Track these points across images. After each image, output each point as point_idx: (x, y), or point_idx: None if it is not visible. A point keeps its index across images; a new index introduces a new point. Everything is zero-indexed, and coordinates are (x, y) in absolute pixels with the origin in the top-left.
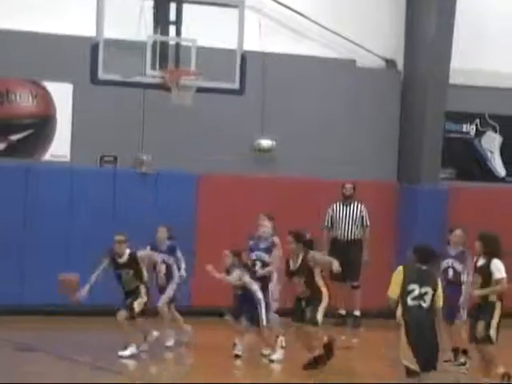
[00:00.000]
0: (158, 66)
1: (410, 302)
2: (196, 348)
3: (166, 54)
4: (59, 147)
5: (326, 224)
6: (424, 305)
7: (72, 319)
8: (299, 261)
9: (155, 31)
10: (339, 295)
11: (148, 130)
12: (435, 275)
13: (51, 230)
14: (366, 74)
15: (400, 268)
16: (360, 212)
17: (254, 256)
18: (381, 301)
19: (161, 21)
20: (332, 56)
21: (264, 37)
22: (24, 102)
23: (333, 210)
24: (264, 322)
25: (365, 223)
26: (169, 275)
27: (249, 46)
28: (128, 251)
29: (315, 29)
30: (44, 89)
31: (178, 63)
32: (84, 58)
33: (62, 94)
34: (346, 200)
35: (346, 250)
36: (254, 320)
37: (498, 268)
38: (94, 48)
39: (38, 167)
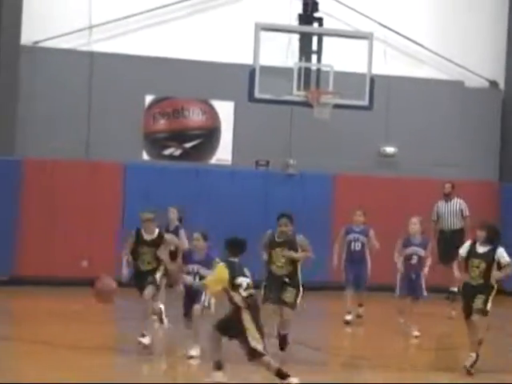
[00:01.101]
0: (302, 87)
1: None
2: None
3: (309, 77)
4: (223, 153)
5: (432, 218)
6: None
7: None
8: None
9: (300, 59)
10: (447, 275)
11: (294, 138)
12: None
13: (215, 222)
14: (472, 93)
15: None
16: (459, 206)
17: (410, 251)
18: None
19: (305, 50)
20: (444, 78)
21: (388, 62)
22: (195, 116)
23: (437, 206)
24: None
25: (464, 214)
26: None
27: (376, 70)
28: (157, 230)
29: (429, 55)
30: (211, 106)
31: (318, 85)
32: (243, 81)
33: (225, 110)
34: (447, 197)
35: (450, 239)
36: None
37: (503, 254)
38: (252, 73)
39: (206, 169)
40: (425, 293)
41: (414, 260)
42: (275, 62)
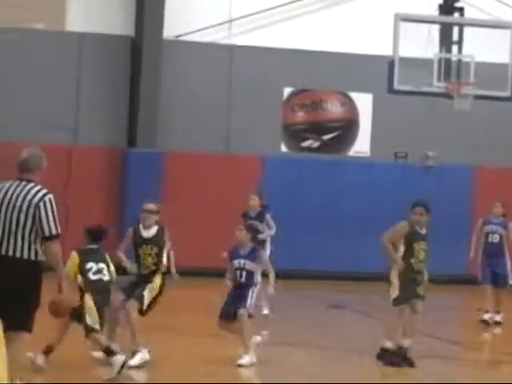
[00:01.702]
0: (442, 78)
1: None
2: None
3: (449, 68)
4: (361, 145)
5: None
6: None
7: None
8: None
9: (440, 50)
10: None
11: (433, 130)
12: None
13: (352, 211)
14: None
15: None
16: None
17: None
18: None
19: (445, 41)
20: None
21: None
22: (334, 108)
23: None
24: None
25: None
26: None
27: None
28: (156, 225)
29: None
30: (350, 98)
31: (459, 75)
32: (382, 72)
33: (364, 102)
34: None
35: None
36: None
37: None
38: (391, 64)
39: (344, 161)
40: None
41: None
42: (415, 53)
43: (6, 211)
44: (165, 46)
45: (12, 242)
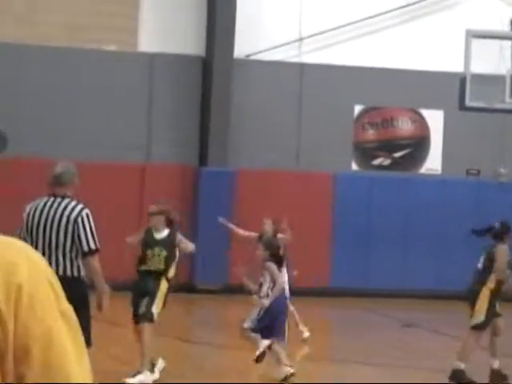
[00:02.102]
0: None
1: None
2: None
3: None
4: (432, 162)
5: None
6: None
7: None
8: None
9: None
10: None
11: (505, 146)
12: None
13: (424, 229)
14: None
15: None
16: None
17: None
18: None
19: None
20: None
21: None
22: (405, 126)
23: None
24: None
25: None
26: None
27: None
28: (167, 229)
29: None
30: (420, 115)
31: None
32: (453, 89)
33: (435, 119)
34: None
35: None
36: None
37: None
38: (462, 81)
39: (416, 178)
40: None
41: None
42: (486, 69)
43: (45, 229)
44: (235, 65)
45: (54, 260)
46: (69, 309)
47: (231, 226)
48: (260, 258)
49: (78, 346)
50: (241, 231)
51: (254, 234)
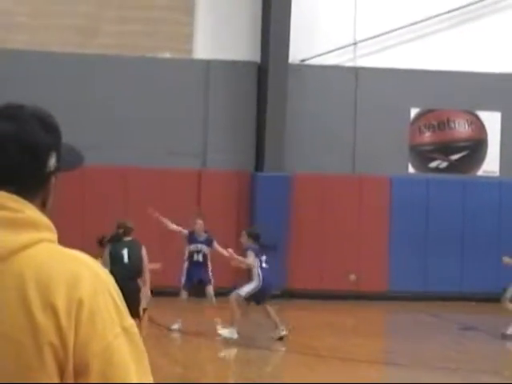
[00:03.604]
0: None
1: None
2: None
3: None
4: (490, 164)
5: None
6: None
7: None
8: None
9: None
10: None
11: None
12: None
13: (482, 231)
14: None
15: None
16: None
17: None
18: None
19: None
20: None
21: None
22: (461, 128)
23: None
24: None
25: None
26: None
27: None
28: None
29: None
30: (477, 117)
31: None
32: (509, 90)
33: (492, 120)
34: None
35: None
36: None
37: None
38: None
39: (473, 181)
40: None
41: None
42: None
43: None
44: (290, 70)
45: None
46: (132, 325)
47: (163, 219)
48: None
49: (140, 363)
50: (174, 226)
51: (184, 231)
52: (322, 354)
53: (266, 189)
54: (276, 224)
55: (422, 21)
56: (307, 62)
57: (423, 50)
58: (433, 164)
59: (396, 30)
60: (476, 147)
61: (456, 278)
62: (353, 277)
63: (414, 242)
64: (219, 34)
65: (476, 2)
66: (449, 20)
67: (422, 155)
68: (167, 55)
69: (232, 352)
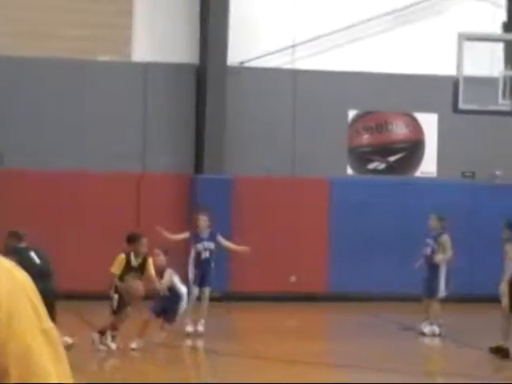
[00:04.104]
0: (508, 96)
1: None
2: None
3: None
4: (427, 165)
5: None
6: None
7: None
8: None
9: (505, 67)
10: None
11: (501, 149)
12: None
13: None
14: None
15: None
16: None
17: None
18: None
19: (510, 58)
20: None
21: None
22: (399, 130)
23: None
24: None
25: None
26: None
27: None
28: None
29: None
30: (414, 119)
31: None
32: (447, 92)
33: (429, 122)
34: None
35: None
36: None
37: None
38: (456, 84)
39: (411, 182)
40: None
41: None
42: (479, 71)
43: None
44: (229, 72)
45: None
46: (51, 328)
47: (166, 234)
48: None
49: (59, 365)
50: (176, 236)
51: (186, 234)
52: (266, 356)
53: (206, 191)
54: (216, 226)
55: (359, 23)
56: (246, 65)
57: (361, 52)
58: (371, 165)
59: (334, 32)
60: (413, 149)
61: (395, 279)
62: (293, 278)
63: (354, 243)
64: (157, 36)
65: (412, 5)
66: (386, 23)
67: (360, 157)
68: (106, 58)
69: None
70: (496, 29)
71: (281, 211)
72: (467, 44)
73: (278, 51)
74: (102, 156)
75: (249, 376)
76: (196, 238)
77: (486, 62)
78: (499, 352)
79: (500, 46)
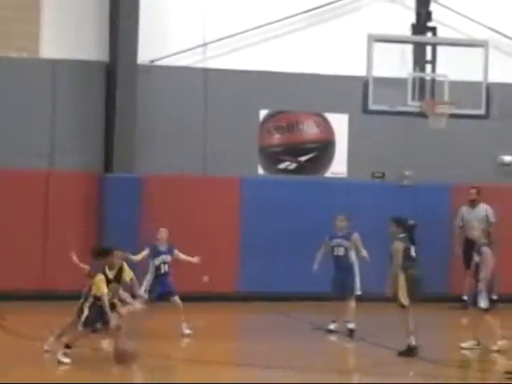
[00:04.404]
0: (417, 98)
1: None
2: None
3: (424, 87)
4: (338, 166)
5: (458, 224)
6: None
7: None
8: None
9: (414, 69)
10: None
11: (410, 149)
12: None
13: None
14: None
15: None
16: (485, 212)
17: None
18: None
19: (419, 60)
20: None
21: (504, 70)
22: (310, 130)
23: (462, 211)
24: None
25: (490, 220)
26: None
27: (492, 78)
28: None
29: None
30: (325, 119)
31: (433, 94)
32: (357, 93)
33: (340, 122)
34: (472, 203)
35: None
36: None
37: None
38: (365, 84)
39: (322, 182)
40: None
41: None
42: (389, 72)
43: None
44: (140, 70)
45: None
46: None
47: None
48: None
49: None
50: (137, 256)
51: (146, 251)
52: (177, 356)
53: (115, 190)
54: (126, 226)
55: (270, 23)
56: (157, 63)
57: (272, 52)
58: (282, 165)
59: (245, 31)
60: (324, 149)
61: (307, 278)
62: (206, 278)
63: (265, 243)
64: (66, 33)
65: (323, 6)
66: (297, 23)
67: (271, 156)
68: (13, 54)
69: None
70: (405, 30)
71: (192, 210)
72: (377, 45)
73: (189, 50)
74: (9, 153)
75: (158, 376)
76: (154, 252)
77: (395, 64)
78: (409, 353)
79: (409, 48)
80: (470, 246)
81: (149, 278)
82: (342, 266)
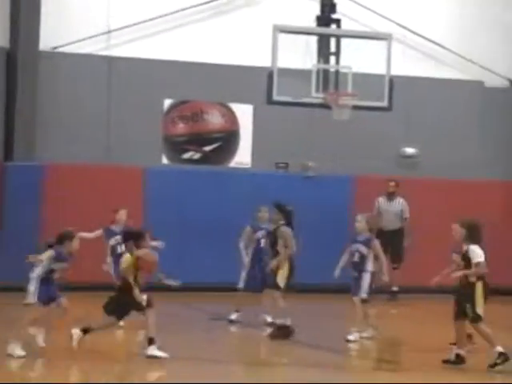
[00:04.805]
0: (321, 89)
1: None
2: None
3: (327, 79)
4: (242, 156)
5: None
6: None
7: None
8: None
9: (318, 61)
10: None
11: (313, 140)
12: None
13: (234, 222)
14: (492, 92)
15: None
16: (400, 206)
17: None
18: None
19: (323, 52)
20: (463, 78)
21: (407, 63)
22: (214, 120)
23: (378, 202)
24: None
25: (404, 216)
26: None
27: (395, 70)
28: None
29: (448, 55)
30: (230, 109)
31: (337, 86)
32: (262, 83)
33: (244, 113)
34: (390, 195)
35: (390, 239)
36: None
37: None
38: (270, 75)
39: (226, 172)
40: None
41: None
42: (293, 64)
43: None
44: (41, 57)
45: None
46: None
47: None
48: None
49: None
50: (86, 234)
51: (99, 232)
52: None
53: (16, 179)
54: (26, 216)
55: (176, 11)
56: (60, 50)
57: (177, 41)
58: (186, 155)
59: (150, 20)
60: (229, 139)
61: (210, 269)
62: (106, 267)
63: (169, 234)
64: None
65: None
66: (203, 12)
67: (175, 146)
68: None
69: None
70: (310, 22)
71: (95, 200)
72: (282, 36)
73: (92, 37)
74: None
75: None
76: (108, 233)
77: (300, 55)
78: (281, 330)
79: (314, 39)
80: (383, 237)
81: (108, 260)
82: (261, 259)
